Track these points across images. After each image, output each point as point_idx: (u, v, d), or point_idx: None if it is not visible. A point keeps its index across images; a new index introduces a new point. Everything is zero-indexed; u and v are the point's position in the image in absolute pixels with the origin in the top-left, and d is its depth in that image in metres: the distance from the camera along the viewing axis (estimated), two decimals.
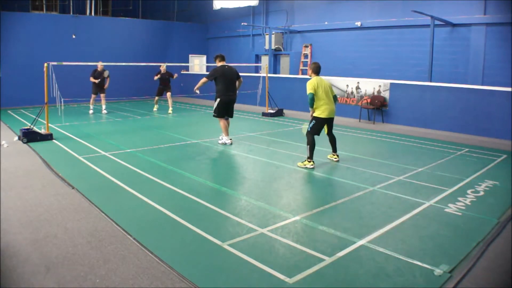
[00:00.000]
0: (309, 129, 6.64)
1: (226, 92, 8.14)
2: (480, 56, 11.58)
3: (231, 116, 8.51)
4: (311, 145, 6.52)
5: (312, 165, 6.51)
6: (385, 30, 13.82)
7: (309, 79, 6.65)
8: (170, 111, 13.43)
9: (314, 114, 6.62)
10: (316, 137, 6.62)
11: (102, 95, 13.21)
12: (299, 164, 6.62)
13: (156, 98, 13.96)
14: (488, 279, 3.22)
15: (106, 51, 17.21)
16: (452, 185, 5.63)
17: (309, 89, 6.55)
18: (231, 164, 6.93)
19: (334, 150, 7.07)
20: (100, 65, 12.80)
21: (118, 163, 6.71)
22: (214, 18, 20.52)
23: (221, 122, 8.32)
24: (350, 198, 5.10)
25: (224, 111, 8.28)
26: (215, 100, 8.22)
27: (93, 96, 13.17)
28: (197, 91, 8.44)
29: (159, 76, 13.28)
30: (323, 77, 6.80)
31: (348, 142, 8.90)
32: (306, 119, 12.37)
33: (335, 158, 7.04)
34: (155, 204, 4.72)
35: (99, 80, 12.76)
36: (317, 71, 6.75)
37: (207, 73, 10.11)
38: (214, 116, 8.35)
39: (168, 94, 13.49)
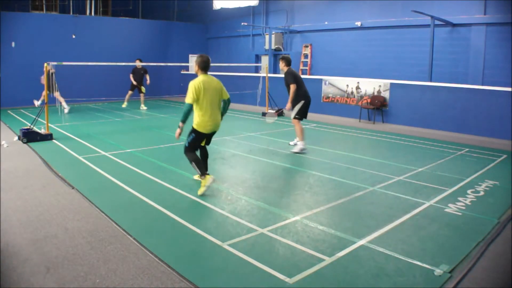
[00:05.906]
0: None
1: (306, 94, 7.65)
2: (480, 56, 11.57)
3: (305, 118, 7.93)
4: None
5: None
6: (385, 30, 13.81)
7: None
8: None
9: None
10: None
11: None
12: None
13: None
14: (488, 279, 3.22)
15: (106, 51, 17.19)
16: (452, 185, 5.63)
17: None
18: (231, 164, 6.92)
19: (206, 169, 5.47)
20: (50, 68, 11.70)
21: (118, 163, 6.71)
22: (214, 18, 20.51)
23: (300, 126, 7.67)
24: (350, 198, 5.10)
25: (305, 113, 7.75)
26: (298, 102, 7.59)
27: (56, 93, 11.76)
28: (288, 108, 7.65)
29: None
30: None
31: (348, 142, 8.91)
32: (306, 120, 12.38)
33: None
34: (155, 204, 4.72)
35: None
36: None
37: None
38: (296, 118, 7.65)
39: None
